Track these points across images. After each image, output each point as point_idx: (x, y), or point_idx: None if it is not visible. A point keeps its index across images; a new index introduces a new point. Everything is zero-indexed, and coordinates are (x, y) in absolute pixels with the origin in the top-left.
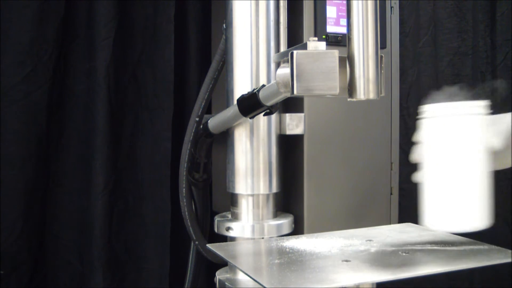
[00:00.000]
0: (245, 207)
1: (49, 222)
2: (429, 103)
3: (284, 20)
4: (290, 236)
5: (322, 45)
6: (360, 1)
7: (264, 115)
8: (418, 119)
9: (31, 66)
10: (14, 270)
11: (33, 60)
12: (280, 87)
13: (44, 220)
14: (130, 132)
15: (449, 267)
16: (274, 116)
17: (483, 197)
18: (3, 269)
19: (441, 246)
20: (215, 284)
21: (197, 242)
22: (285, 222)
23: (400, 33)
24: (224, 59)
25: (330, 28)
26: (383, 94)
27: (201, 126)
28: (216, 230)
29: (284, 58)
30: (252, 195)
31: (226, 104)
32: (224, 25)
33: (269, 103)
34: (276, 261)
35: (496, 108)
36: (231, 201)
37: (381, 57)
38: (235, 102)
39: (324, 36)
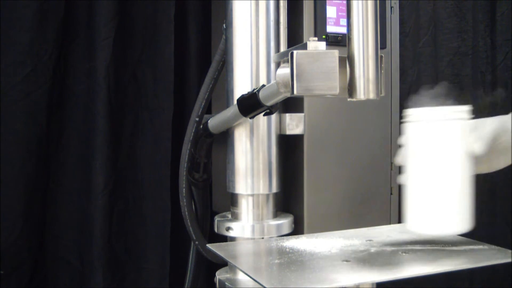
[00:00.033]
0: (245, 207)
1: (49, 222)
2: (413, 106)
3: (284, 20)
4: (290, 236)
5: (322, 45)
6: (360, 1)
7: (264, 115)
8: (401, 122)
9: (31, 66)
10: (14, 270)
11: (33, 60)
12: (280, 87)
13: (44, 220)
14: (130, 132)
15: (449, 267)
16: (274, 116)
17: (464, 201)
18: (3, 269)
19: (441, 246)
20: (215, 284)
21: (197, 242)
22: (285, 222)
23: (400, 33)
24: (224, 59)
25: (330, 28)
26: (383, 94)
27: (201, 126)
28: (216, 230)
29: (284, 58)
30: (252, 195)
31: (226, 104)
32: (224, 25)
33: (269, 103)
34: (276, 261)
35: (480, 113)
36: (231, 201)
37: (381, 57)
38: (235, 102)
39: (324, 36)
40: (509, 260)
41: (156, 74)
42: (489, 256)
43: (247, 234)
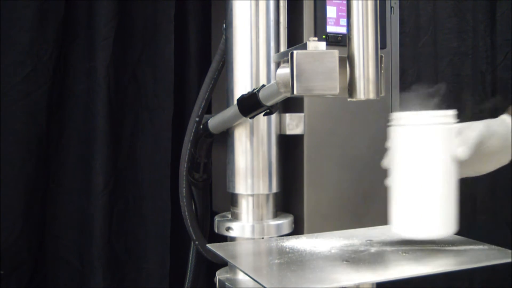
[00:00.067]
0: (245, 207)
1: (49, 222)
2: (398, 110)
3: (284, 20)
4: (290, 236)
5: (322, 45)
6: (360, 1)
7: (264, 115)
8: (388, 126)
9: (31, 66)
10: (14, 270)
11: (33, 60)
12: (280, 87)
13: (44, 220)
14: (130, 132)
15: (449, 267)
16: (274, 116)
17: (448, 205)
18: (3, 269)
19: (441, 246)
20: (215, 284)
21: (197, 242)
22: (285, 222)
23: (400, 33)
24: (224, 59)
25: (330, 28)
26: (383, 94)
27: (201, 126)
28: (216, 230)
29: (284, 58)
30: (252, 195)
31: (226, 104)
32: (224, 25)
33: (269, 103)
34: (276, 261)
35: (465, 117)
36: (231, 201)
37: (381, 57)
38: (235, 102)
39: (324, 36)
40: (509, 260)
41: (156, 74)
42: (489, 256)
43: (247, 234)
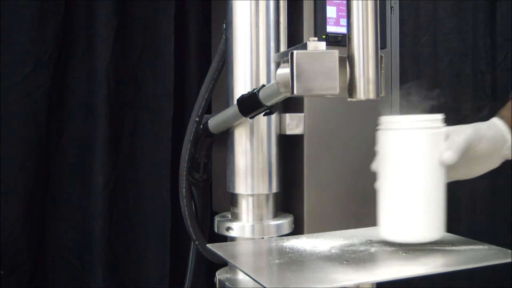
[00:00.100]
0: (245, 207)
1: (49, 222)
2: (387, 114)
3: (284, 20)
4: (290, 236)
5: (322, 45)
6: (360, 1)
7: (264, 115)
8: (376, 130)
9: (31, 66)
10: (14, 270)
11: (33, 60)
12: (280, 87)
13: (44, 220)
14: (130, 132)
15: (449, 267)
16: (274, 116)
17: (434, 209)
18: (3, 269)
19: (441, 246)
20: (215, 284)
21: (197, 242)
22: (285, 222)
23: (400, 33)
24: (224, 59)
25: (330, 28)
26: (383, 94)
27: (201, 126)
28: (216, 230)
29: (284, 58)
30: (252, 195)
31: (226, 104)
32: (224, 25)
33: (269, 103)
34: (276, 261)
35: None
36: (231, 201)
37: (381, 57)
38: (235, 102)
39: (324, 36)
40: (509, 260)
41: (156, 74)
42: (489, 256)
43: (247, 234)
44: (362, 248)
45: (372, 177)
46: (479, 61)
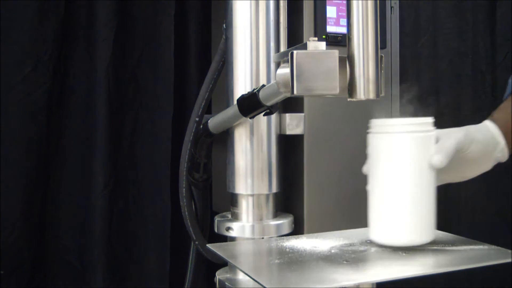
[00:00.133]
0: (245, 207)
1: (49, 222)
2: (377, 117)
3: (284, 20)
4: (290, 236)
5: (322, 45)
6: (360, 1)
7: (264, 115)
8: (367, 133)
9: (31, 66)
10: (14, 270)
11: (33, 60)
12: (280, 87)
13: (44, 220)
14: (130, 132)
15: (449, 267)
16: (274, 116)
17: (423, 212)
18: (3, 269)
19: (441, 246)
20: (215, 284)
21: (197, 242)
22: (285, 222)
23: (400, 33)
24: (224, 59)
25: (330, 28)
26: (383, 94)
27: (201, 126)
28: (216, 230)
29: (284, 58)
30: (252, 195)
31: (226, 104)
32: (224, 25)
33: (269, 103)
34: (276, 261)
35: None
36: (231, 201)
37: (381, 57)
38: (235, 102)
39: (324, 36)
40: (509, 260)
41: (156, 74)
42: (489, 256)
43: (247, 234)
44: (362, 248)
45: None
46: (479, 61)
